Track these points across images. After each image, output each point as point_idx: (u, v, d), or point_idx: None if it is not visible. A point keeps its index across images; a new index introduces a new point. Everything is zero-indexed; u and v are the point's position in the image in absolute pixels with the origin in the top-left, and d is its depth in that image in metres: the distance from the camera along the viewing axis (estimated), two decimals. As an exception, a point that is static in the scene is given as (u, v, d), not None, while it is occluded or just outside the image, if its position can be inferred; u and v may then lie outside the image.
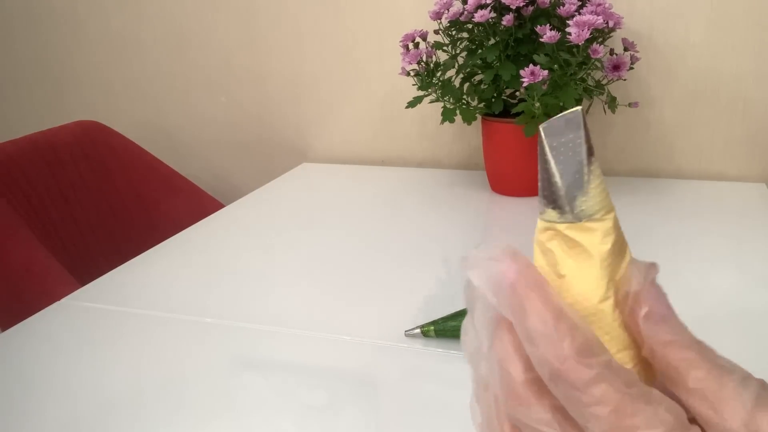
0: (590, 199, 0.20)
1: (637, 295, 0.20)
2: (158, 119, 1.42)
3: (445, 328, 0.60)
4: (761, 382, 0.19)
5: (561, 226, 0.20)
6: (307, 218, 0.99)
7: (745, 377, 0.19)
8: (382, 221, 0.95)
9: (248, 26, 1.27)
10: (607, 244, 0.20)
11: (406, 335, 0.61)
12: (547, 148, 0.20)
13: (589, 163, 0.20)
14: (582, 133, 0.20)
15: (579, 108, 0.20)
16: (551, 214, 0.21)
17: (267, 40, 1.27)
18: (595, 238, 0.20)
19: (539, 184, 0.21)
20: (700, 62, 1.02)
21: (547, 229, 0.21)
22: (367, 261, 0.81)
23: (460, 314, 0.60)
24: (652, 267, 0.21)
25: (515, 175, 1.00)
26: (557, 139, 0.20)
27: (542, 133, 0.20)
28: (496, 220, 0.96)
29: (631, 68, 0.91)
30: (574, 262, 0.21)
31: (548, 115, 0.89)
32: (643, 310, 0.20)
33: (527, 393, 0.20)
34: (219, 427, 0.51)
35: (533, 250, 0.22)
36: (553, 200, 0.20)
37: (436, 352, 0.59)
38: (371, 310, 0.68)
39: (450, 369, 0.57)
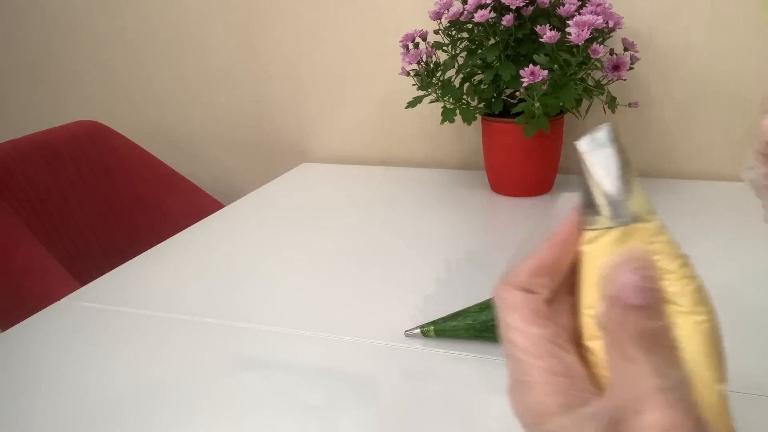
0: (636, 203, 0.22)
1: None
2: (158, 119, 1.42)
3: (445, 328, 0.60)
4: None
5: (614, 232, 0.22)
6: (307, 218, 0.99)
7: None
8: (382, 221, 0.95)
9: (248, 26, 1.27)
10: (657, 244, 0.22)
11: (406, 335, 0.61)
12: (589, 162, 0.22)
13: (629, 170, 0.22)
14: (617, 144, 0.22)
15: (609, 123, 0.22)
16: (602, 221, 0.22)
17: (267, 40, 1.27)
18: (645, 238, 0.22)
19: (582, 197, 0.22)
20: (700, 62, 1.02)
21: (598, 237, 0.22)
22: (366, 261, 0.81)
23: (460, 314, 0.60)
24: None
25: (515, 175, 1.00)
26: (597, 152, 0.22)
27: (582, 149, 0.22)
28: (496, 220, 0.96)
29: (631, 68, 0.91)
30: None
31: (548, 115, 0.89)
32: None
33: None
34: (218, 427, 0.51)
35: (580, 262, 0.23)
36: (602, 208, 0.22)
37: (436, 352, 0.59)
38: (371, 310, 0.68)
39: (450, 369, 0.57)
